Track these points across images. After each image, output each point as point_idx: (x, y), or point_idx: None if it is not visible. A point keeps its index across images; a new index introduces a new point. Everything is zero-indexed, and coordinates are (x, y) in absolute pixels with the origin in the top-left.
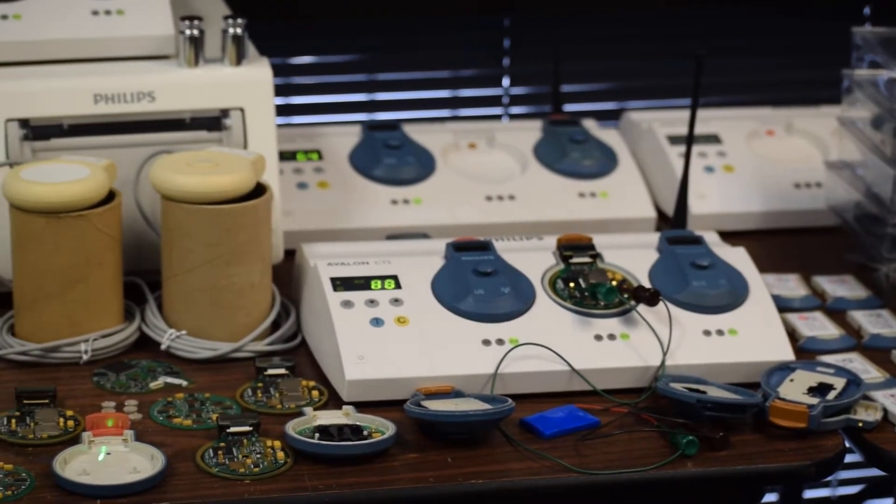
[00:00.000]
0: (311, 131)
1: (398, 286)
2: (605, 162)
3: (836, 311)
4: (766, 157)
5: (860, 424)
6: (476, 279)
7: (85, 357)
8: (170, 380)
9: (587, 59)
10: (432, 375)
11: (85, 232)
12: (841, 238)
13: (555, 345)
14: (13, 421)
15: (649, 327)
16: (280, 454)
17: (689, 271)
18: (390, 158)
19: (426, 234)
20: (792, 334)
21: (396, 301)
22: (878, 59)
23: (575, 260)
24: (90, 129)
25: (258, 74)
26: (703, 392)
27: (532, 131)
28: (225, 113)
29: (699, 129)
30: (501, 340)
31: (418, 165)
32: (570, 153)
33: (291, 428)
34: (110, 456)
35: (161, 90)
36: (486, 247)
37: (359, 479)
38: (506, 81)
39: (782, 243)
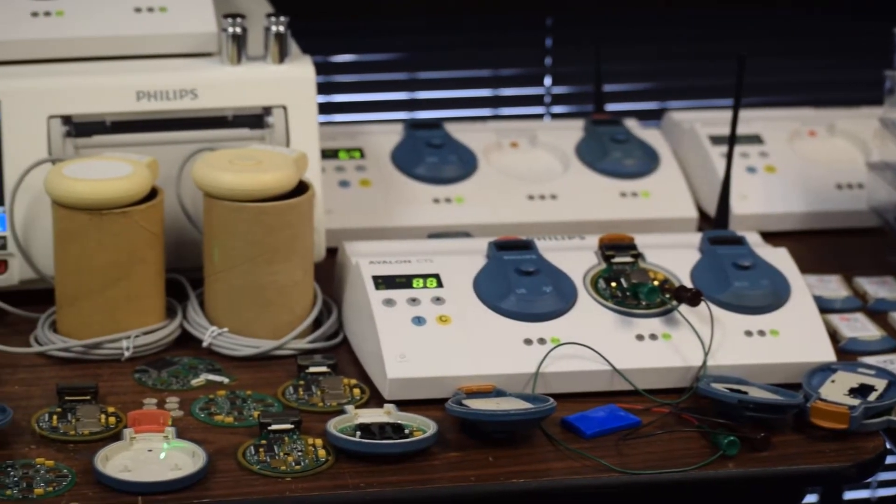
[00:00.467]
0: (354, 129)
1: (440, 285)
2: (646, 162)
3: (878, 312)
4: (808, 158)
5: None
6: (518, 278)
7: (126, 354)
8: (211, 377)
9: (629, 59)
10: (474, 374)
11: (127, 229)
12: (882, 239)
13: (596, 344)
14: (55, 417)
15: (691, 327)
16: (321, 452)
17: (730, 272)
18: (432, 157)
19: (468, 232)
20: (833, 335)
21: (438, 300)
22: None
23: (617, 260)
24: (133, 126)
25: (301, 72)
26: (745, 392)
27: (574, 131)
28: (267, 111)
29: (741, 130)
30: (543, 340)
31: (460, 164)
32: (612, 153)
33: (333, 426)
34: (151, 453)
35: (204, 88)
36: (528, 246)
37: (400, 477)
38: (548, 80)
39: (824, 244)
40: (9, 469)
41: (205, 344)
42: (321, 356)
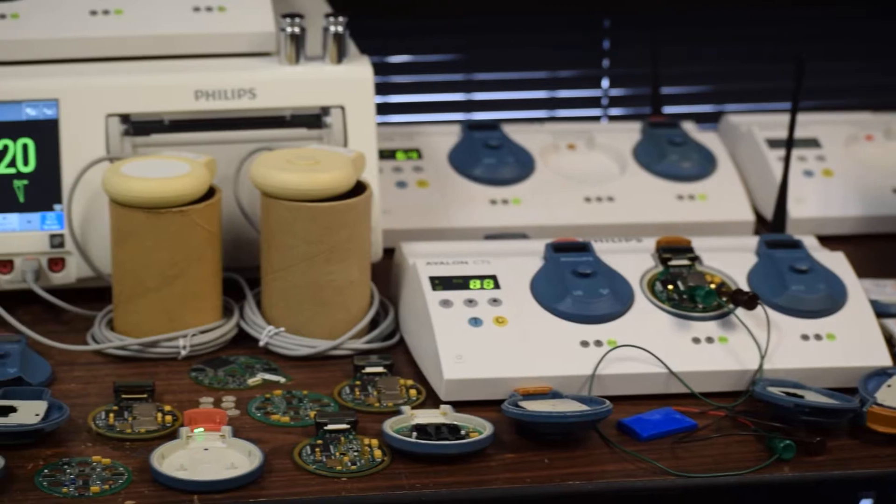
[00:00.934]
0: (411, 130)
1: (497, 286)
2: (703, 164)
3: None
4: (865, 162)
5: None
6: (575, 280)
7: (183, 352)
8: (268, 376)
9: (687, 61)
10: (530, 376)
11: (185, 227)
12: None
13: (652, 347)
14: (111, 415)
15: (747, 331)
16: (377, 452)
17: (787, 275)
18: (490, 158)
19: (525, 234)
20: (889, 340)
21: (495, 301)
22: None
23: (674, 262)
24: (191, 125)
25: (359, 72)
26: (801, 396)
27: (631, 133)
28: (325, 111)
29: (798, 133)
30: (599, 342)
31: (517, 165)
32: (669, 155)
33: (389, 426)
34: (208, 451)
35: (262, 87)
36: (585, 248)
37: (455, 478)
38: (605, 83)
39: (880, 248)
40: (65, 467)
41: (261, 343)
42: (377, 356)
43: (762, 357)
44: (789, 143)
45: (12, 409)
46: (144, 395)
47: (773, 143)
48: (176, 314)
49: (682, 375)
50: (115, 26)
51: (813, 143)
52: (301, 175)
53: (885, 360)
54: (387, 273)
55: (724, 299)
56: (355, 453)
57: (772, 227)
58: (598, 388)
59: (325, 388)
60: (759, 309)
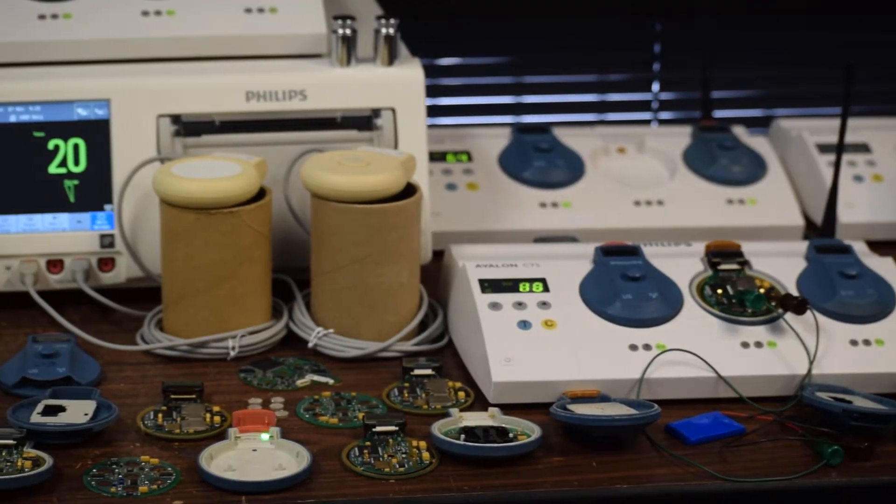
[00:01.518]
0: (461, 132)
1: (546, 289)
2: (753, 169)
3: None
4: None
5: None
6: (624, 284)
7: (232, 353)
8: (316, 378)
9: (738, 66)
10: (579, 379)
11: (235, 228)
12: None
13: (701, 351)
14: (160, 415)
15: (796, 336)
16: (425, 454)
17: (836, 280)
18: (540, 161)
19: (574, 237)
20: None
21: (544, 304)
22: None
23: (723, 266)
24: (241, 126)
25: (410, 75)
26: (849, 402)
27: (681, 137)
28: (376, 113)
29: (849, 138)
30: (648, 345)
31: (567, 169)
32: (720, 159)
33: (437, 428)
34: (256, 452)
35: (313, 89)
36: (634, 251)
37: (503, 481)
38: (655, 86)
39: None
40: (114, 466)
41: (310, 344)
42: (426, 359)
43: (811, 362)
44: (839, 148)
45: (61, 409)
46: (193, 396)
47: (824, 148)
48: (225, 315)
49: (730, 380)
50: (166, 27)
51: (863, 148)
52: (351, 177)
53: None
54: (436, 275)
55: (774, 304)
56: (403, 455)
57: (821, 231)
58: (646, 391)
59: (374, 389)
60: (808, 314)
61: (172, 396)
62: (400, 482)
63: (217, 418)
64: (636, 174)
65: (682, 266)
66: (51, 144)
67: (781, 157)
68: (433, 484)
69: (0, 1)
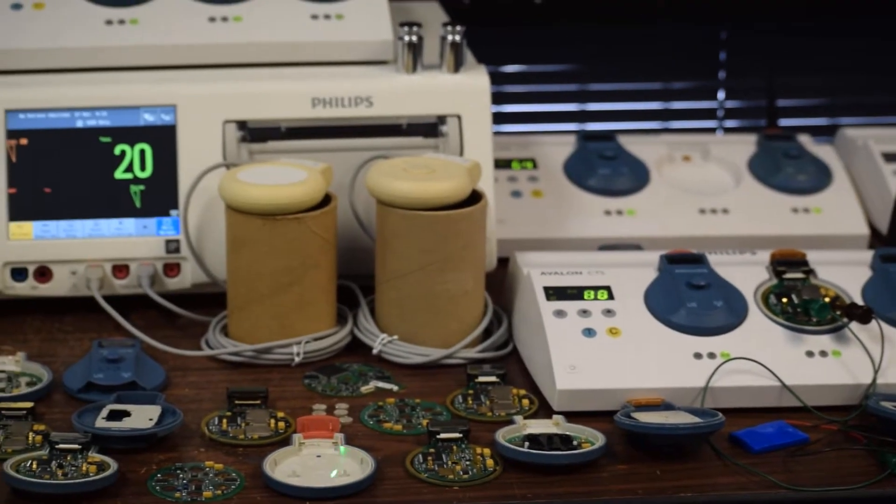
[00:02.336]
0: (527, 140)
1: (611, 297)
2: (819, 178)
3: None
4: None
5: None
6: (689, 292)
7: (297, 359)
8: (381, 384)
9: (803, 74)
10: (643, 387)
11: (300, 235)
12: None
13: (766, 360)
14: (224, 421)
15: (861, 345)
16: (489, 462)
17: None
18: (605, 169)
19: (639, 245)
20: None
21: (609, 312)
22: None
23: (788, 275)
24: (307, 132)
25: (476, 82)
26: None
27: (747, 145)
28: (442, 119)
29: None
30: (713, 354)
31: (632, 177)
32: (785, 168)
33: (501, 436)
34: (320, 458)
35: (379, 95)
36: (699, 259)
37: (567, 488)
38: (721, 94)
39: None
40: (178, 471)
41: (375, 351)
42: (490, 366)
43: (876, 371)
44: None
45: (126, 414)
46: (258, 402)
47: (890, 157)
48: (290, 321)
49: (794, 389)
50: (233, 33)
51: None
52: (417, 184)
53: None
54: (501, 282)
55: (839, 313)
56: (467, 462)
57: (887, 240)
58: (710, 400)
59: (438, 396)
60: (873, 323)
61: (237, 402)
62: (464, 489)
63: (281, 424)
64: (701, 182)
65: (747, 274)
66: (117, 150)
67: (847, 165)
68: (497, 491)
69: (67, 6)
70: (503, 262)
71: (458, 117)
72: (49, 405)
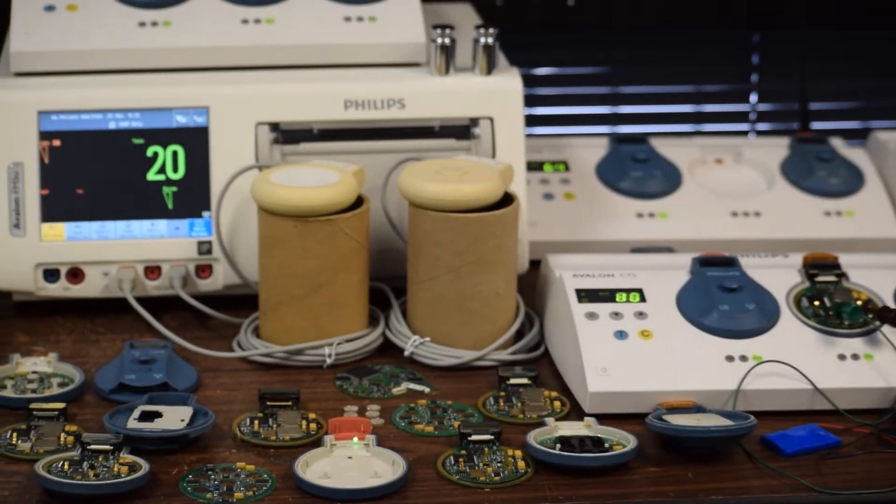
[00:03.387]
0: (559, 142)
1: (643, 299)
2: (851, 181)
3: None
4: None
5: None
6: (721, 295)
7: (328, 361)
8: (412, 386)
9: (836, 77)
10: (675, 390)
11: (333, 236)
12: None
13: (798, 363)
14: (256, 422)
15: (893, 348)
16: (521, 464)
17: None
18: (637, 172)
19: (671, 247)
20: None
21: (641, 314)
22: None
23: (820, 278)
24: (340, 134)
25: (509, 84)
26: None
27: (779, 148)
28: (474, 122)
29: None
30: (745, 357)
31: (664, 179)
32: (817, 171)
33: (533, 438)
34: (351, 460)
35: (411, 98)
36: (731, 262)
37: (599, 490)
38: (753, 97)
39: None
40: (209, 472)
41: (406, 353)
42: (522, 368)
43: None
44: None
45: (158, 415)
46: (289, 403)
47: None
48: (322, 322)
49: (826, 392)
50: (266, 35)
51: None
52: (449, 186)
53: None
54: (533, 285)
55: (871, 316)
56: (499, 464)
57: None
58: (742, 403)
59: (470, 398)
60: None
61: (269, 403)
62: (495, 491)
63: (313, 425)
64: (733, 185)
65: (780, 277)
66: (150, 151)
67: (879, 169)
68: (528, 493)
69: (100, 8)
70: (535, 264)
71: (491, 119)
72: (81, 406)
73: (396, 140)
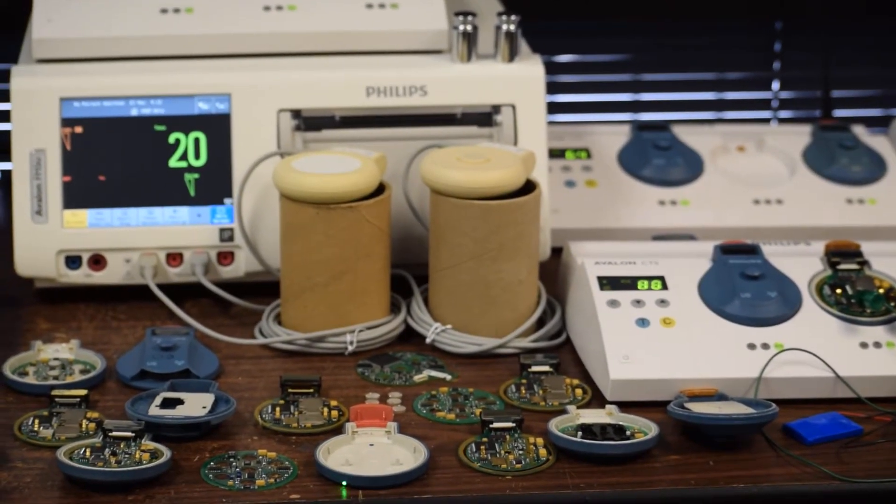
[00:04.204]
0: (581, 130)
1: (665, 287)
2: (873, 168)
3: None
4: None
5: None
6: (743, 282)
7: (350, 348)
8: (434, 373)
9: (858, 65)
10: (696, 377)
11: (355, 223)
12: None
13: (820, 351)
14: (277, 409)
15: None
16: (542, 451)
17: None
18: (659, 159)
19: (693, 235)
20: None
21: (663, 302)
22: None
23: (842, 266)
24: (361, 121)
25: (531, 71)
26: None
27: (801, 136)
28: (496, 109)
29: None
30: (767, 345)
31: (686, 167)
32: (839, 159)
33: (554, 425)
34: (373, 447)
35: (433, 85)
36: (753, 250)
37: (620, 478)
38: (775, 85)
39: None
40: (231, 459)
41: (428, 340)
42: (544, 355)
43: None
44: None
45: (180, 402)
46: (311, 390)
47: None
48: (343, 310)
49: (848, 380)
50: (288, 22)
51: None
52: (471, 173)
53: None
54: (554, 272)
55: (893, 304)
56: (520, 452)
57: None
58: (764, 390)
59: (491, 386)
60: None
61: (290, 390)
62: (517, 478)
63: (335, 413)
64: (755, 173)
65: (802, 265)
66: (172, 138)
67: None
68: (550, 481)
69: None
70: (557, 251)
71: (513, 107)
72: (102, 393)
73: (418, 127)
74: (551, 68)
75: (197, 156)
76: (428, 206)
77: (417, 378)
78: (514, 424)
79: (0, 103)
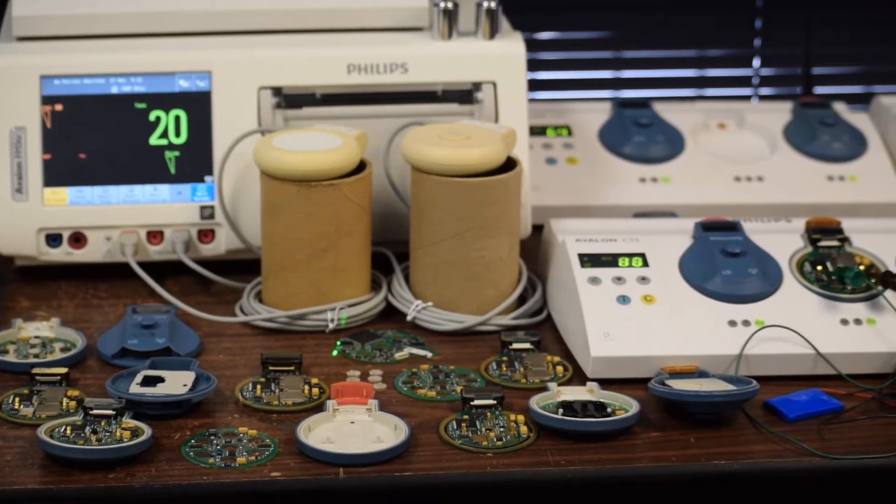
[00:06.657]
0: (561, 107)
1: (645, 264)
2: (854, 146)
3: None
4: None
5: None
6: (724, 259)
7: (331, 326)
8: (415, 351)
9: (839, 42)
10: (677, 354)
11: (335, 201)
12: None
13: (800, 328)
14: (258, 387)
15: None
16: (523, 428)
17: None
18: (640, 136)
19: (674, 212)
20: None
21: (643, 279)
22: None
23: (823, 243)
24: (342, 98)
25: (511, 49)
26: None
27: (782, 113)
28: (477, 86)
29: None
30: (747, 321)
31: (668, 144)
32: (820, 136)
33: (535, 403)
34: (354, 425)
35: (414, 62)
36: (734, 227)
37: (601, 455)
38: (756, 62)
39: None
40: (212, 437)
41: (409, 318)
42: (525, 333)
43: None
44: None
45: (160, 380)
46: (292, 368)
47: None
48: (324, 287)
49: (829, 356)
50: None
51: None
52: (452, 150)
53: None
54: (535, 249)
55: (874, 281)
56: (501, 429)
57: None
58: (745, 367)
59: (472, 363)
60: None
61: (271, 368)
62: (497, 456)
63: (315, 390)
64: (736, 150)
65: (782, 242)
66: (152, 116)
67: (882, 133)
68: (531, 458)
69: None
70: (538, 229)
71: (494, 84)
72: (83, 371)
73: (399, 104)
74: (532, 45)
75: (177, 133)
76: (409, 183)
77: (398, 355)
78: (494, 402)
79: None
